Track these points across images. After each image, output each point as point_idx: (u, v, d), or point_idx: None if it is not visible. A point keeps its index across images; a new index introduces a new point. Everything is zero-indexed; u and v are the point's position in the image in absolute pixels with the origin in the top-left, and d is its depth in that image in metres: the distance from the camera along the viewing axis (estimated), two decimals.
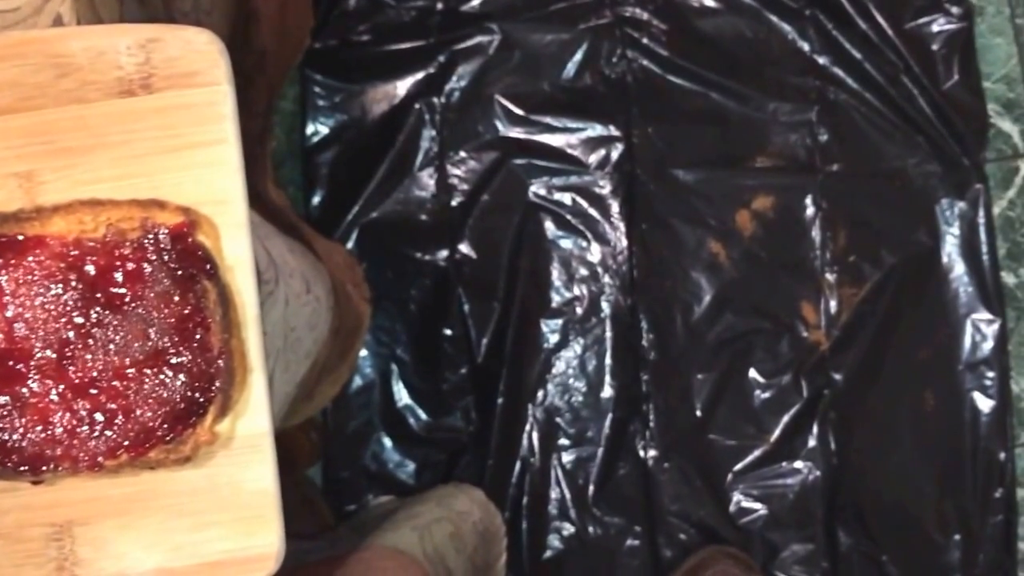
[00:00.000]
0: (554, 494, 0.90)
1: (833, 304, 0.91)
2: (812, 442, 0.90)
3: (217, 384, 0.31)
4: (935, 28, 0.92)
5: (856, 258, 0.91)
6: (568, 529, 0.90)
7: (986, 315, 0.91)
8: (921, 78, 0.91)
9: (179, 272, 0.31)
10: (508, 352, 0.91)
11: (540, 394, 0.91)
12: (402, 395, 0.91)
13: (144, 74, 0.32)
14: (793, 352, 0.91)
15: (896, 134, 0.91)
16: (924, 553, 0.90)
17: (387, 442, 0.91)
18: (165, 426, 0.31)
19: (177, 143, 0.33)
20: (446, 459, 0.91)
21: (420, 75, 0.93)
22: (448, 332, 0.91)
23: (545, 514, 0.90)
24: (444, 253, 0.92)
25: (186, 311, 0.31)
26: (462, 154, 0.92)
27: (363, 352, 0.91)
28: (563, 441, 0.91)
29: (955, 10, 0.91)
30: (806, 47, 0.92)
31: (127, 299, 0.31)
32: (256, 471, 0.32)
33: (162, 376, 0.31)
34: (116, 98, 0.32)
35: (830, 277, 0.91)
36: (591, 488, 0.90)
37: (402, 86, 0.93)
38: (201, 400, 0.31)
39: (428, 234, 0.92)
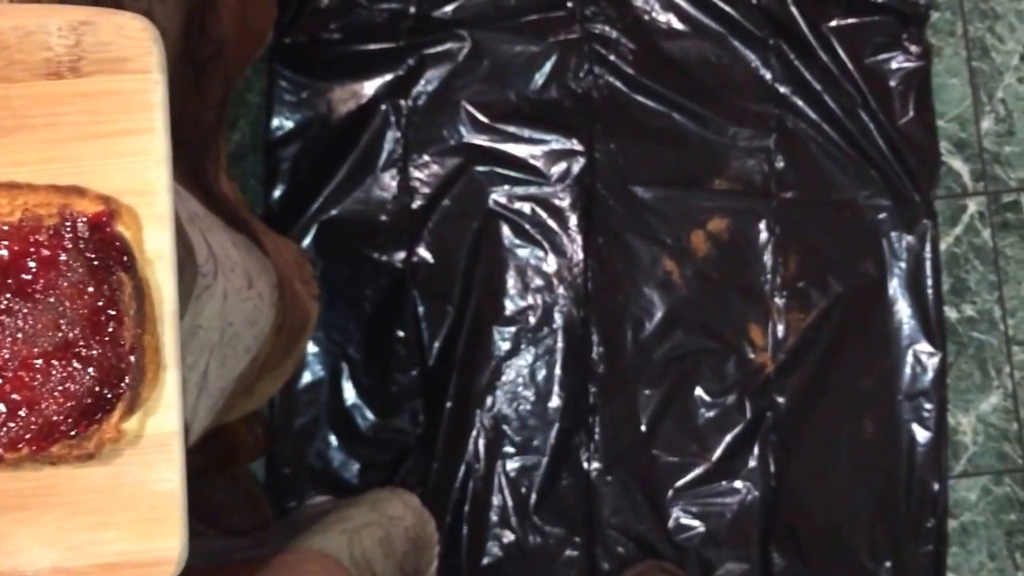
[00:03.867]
0: (496, 501, 0.90)
1: (780, 328, 0.92)
2: (752, 463, 0.92)
3: (127, 380, 0.30)
4: (894, 65, 0.94)
5: (805, 284, 0.93)
6: (508, 537, 0.90)
7: (927, 348, 0.92)
8: (877, 113, 0.92)
9: (95, 262, 0.30)
10: (459, 357, 0.91)
11: (489, 400, 0.91)
12: (350, 394, 0.91)
13: (73, 57, 0.31)
14: (739, 373, 0.92)
15: (850, 166, 0.93)
16: None
17: (333, 440, 0.91)
18: (70, 421, 0.30)
19: (103, 129, 0.32)
20: (391, 460, 0.91)
21: (388, 77, 0.93)
22: (401, 334, 0.92)
23: (486, 520, 0.90)
24: (401, 255, 0.92)
25: (99, 303, 0.30)
26: (425, 158, 0.93)
27: (314, 349, 0.91)
28: (508, 449, 0.91)
29: (914, 49, 0.93)
30: (768, 75, 0.94)
31: (39, 287, 0.30)
32: (163, 472, 0.31)
33: (70, 369, 0.30)
34: (43, 80, 0.31)
35: (779, 301, 0.93)
36: (533, 497, 0.91)
37: (369, 86, 0.93)
38: (109, 396, 0.30)
39: (387, 235, 0.92)
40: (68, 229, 0.30)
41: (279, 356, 0.65)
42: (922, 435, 0.92)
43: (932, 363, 0.92)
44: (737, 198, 0.93)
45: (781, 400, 0.92)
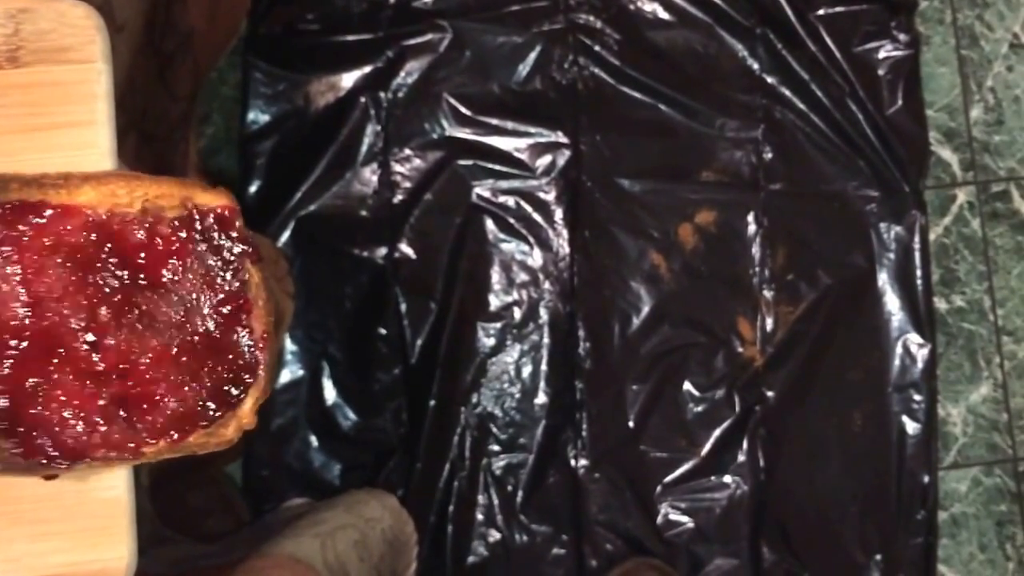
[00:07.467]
0: (482, 500, 0.89)
1: (769, 321, 0.91)
2: (741, 457, 0.91)
3: (261, 368, 0.31)
4: (882, 54, 0.93)
5: (794, 277, 0.92)
6: (494, 536, 0.89)
7: (917, 339, 0.92)
8: (866, 102, 0.91)
9: (221, 254, 0.30)
10: (443, 354, 0.89)
11: (474, 398, 0.90)
12: (331, 393, 0.90)
13: (12, 47, 0.30)
14: (727, 367, 0.91)
15: (839, 156, 0.92)
16: (845, 572, 0.90)
17: (313, 441, 0.89)
18: (208, 411, 0.30)
19: (42, 122, 0.30)
20: (373, 460, 0.89)
21: (367, 68, 0.91)
22: (382, 331, 0.90)
23: (472, 520, 0.89)
24: (383, 251, 0.90)
25: (229, 294, 0.30)
26: (407, 151, 0.91)
27: (293, 347, 0.89)
28: (494, 447, 0.90)
29: (902, 37, 0.92)
30: (755, 66, 0.92)
31: (167, 280, 0.30)
32: (107, 478, 0.30)
33: (204, 359, 0.30)
34: None
35: (767, 294, 0.92)
36: (520, 495, 0.89)
37: (348, 78, 0.91)
38: (243, 384, 0.30)
39: (367, 231, 0.90)
40: (192, 221, 0.30)
41: None
42: (912, 427, 0.91)
43: (922, 354, 0.92)
44: (725, 190, 0.91)
45: (770, 394, 0.91)
